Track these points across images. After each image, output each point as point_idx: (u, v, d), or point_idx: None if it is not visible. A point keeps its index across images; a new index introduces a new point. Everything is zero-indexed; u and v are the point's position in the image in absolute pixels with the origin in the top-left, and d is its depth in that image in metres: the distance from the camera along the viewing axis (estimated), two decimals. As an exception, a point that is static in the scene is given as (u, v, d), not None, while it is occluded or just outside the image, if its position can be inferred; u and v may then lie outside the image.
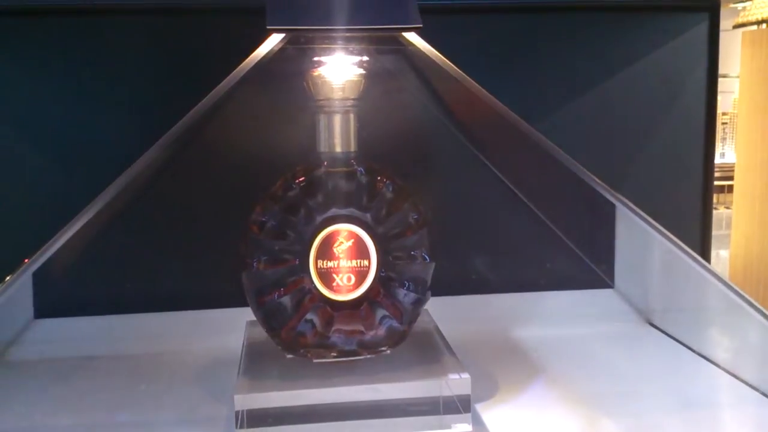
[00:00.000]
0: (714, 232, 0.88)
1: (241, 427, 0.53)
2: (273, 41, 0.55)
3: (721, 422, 0.58)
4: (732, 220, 1.88)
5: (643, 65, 0.82)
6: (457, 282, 0.79)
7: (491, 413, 0.58)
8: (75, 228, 0.57)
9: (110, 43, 0.76)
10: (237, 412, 0.53)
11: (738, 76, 1.86)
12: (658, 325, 0.79)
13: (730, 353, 0.66)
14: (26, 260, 0.59)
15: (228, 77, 0.55)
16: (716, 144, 0.87)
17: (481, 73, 0.61)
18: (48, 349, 0.73)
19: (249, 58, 0.55)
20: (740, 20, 2.30)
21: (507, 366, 0.68)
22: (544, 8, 0.80)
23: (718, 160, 0.89)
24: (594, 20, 0.81)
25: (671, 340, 0.75)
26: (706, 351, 0.70)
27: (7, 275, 0.59)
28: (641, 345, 0.75)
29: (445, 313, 0.67)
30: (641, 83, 0.83)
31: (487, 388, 0.63)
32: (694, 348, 0.71)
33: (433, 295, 0.60)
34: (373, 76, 0.58)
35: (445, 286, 0.63)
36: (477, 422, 0.56)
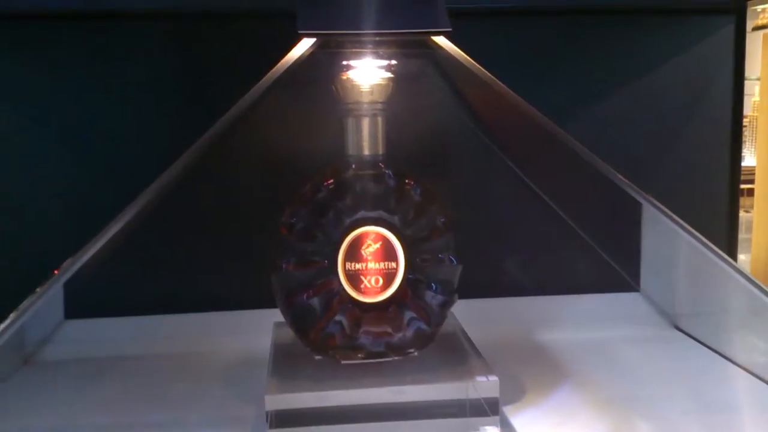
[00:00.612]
0: (735, 236, 0.87)
1: (272, 426, 0.53)
2: (304, 46, 0.55)
3: (748, 426, 0.58)
4: (753, 223, 1.86)
5: (668, 68, 0.82)
6: (482, 284, 0.79)
7: (519, 416, 0.58)
8: (106, 237, 0.58)
9: (142, 49, 0.77)
10: (267, 413, 0.53)
11: (758, 79, 1.84)
12: (684, 329, 0.79)
13: (759, 357, 0.66)
14: (56, 271, 0.59)
15: (260, 82, 0.56)
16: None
17: (506, 75, 0.61)
18: (78, 350, 0.74)
19: (280, 62, 0.55)
20: (760, 22, 2.28)
21: (533, 369, 0.68)
22: (571, 11, 0.80)
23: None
24: (620, 23, 0.81)
25: (698, 343, 0.75)
26: (734, 355, 0.69)
27: (37, 280, 0.60)
28: (668, 349, 0.74)
29: (470, 315, 0.68)
30: (667, 86, 0.83)
31: (514, 390, 0.63)
32: (722, 352, 0.71)
33: (459, 297, 0.60)
34: (401, 79, 0.58)
35: (471, 289, 0.63)
36: (505, 425, 0.56)
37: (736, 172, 0.86)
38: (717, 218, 0.86)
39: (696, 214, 0.82)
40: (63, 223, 0.77)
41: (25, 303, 0.57)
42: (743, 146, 0.87)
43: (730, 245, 0.86)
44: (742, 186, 0.88)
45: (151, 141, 0.76)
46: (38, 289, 0.57)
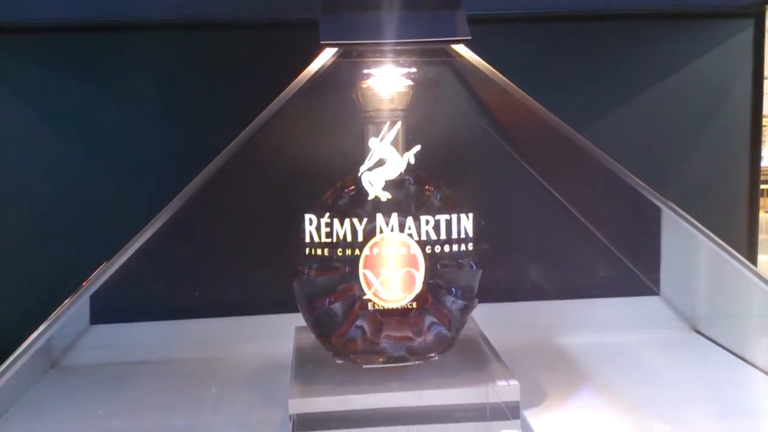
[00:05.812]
0: (754, 237, 0.87)
1: (295, 429, 0.54)
2: (326, 56, 0.56)
3: (770, 430, 0.58)
4: (772, 224, 1.84)
5: (688, 72, 0.82)
6: (502, 289, 0.79)
7: (539, 420, 0.59)
8: (134, 248, 0.59)
9: (165, 59, 0.78)
10: (291, 416, 0.54)
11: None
12: (704, 333, 0.78)
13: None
14: (84, 282, 0.60)
15: (284, 92, 0.56)
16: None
17: (525, 82, 0.62)
18: (103, 355, 0.75)
19: (303, 72, 0.56)
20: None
21: (554, 373, 0.68)
22: (589, 17, 0.80)
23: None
24: (640, 28, 0.81)
25: (718, 347, 0.75)
26: (754, 358, 0.69)
27: (65, 286, 0.61)
28: (688, 352, 0.74)
29: (491, 319, 0.68)
30: (686, 90, 0.83)
31: (535, 394, 0.63)
32: (742, 355, 0.71)
33: (479, 301, 0.60)
34: (420, 87, 0.59)
35: (491, 293, 0.63)
36: (526, 429, 0.57)
37: (755, 172, 0.85)
38: (736, 219, 0.86)
39: (716, 215, 0.82)
40: (85, 231, 0.78)
41: (55, 313, 0.58)
42: (762, 147, 0.87)
43: (749, 246, 0.86)
44: (762, 186, 0.88)
45: (174, 151, 0.77)
46: (67, 301, 0.58)
